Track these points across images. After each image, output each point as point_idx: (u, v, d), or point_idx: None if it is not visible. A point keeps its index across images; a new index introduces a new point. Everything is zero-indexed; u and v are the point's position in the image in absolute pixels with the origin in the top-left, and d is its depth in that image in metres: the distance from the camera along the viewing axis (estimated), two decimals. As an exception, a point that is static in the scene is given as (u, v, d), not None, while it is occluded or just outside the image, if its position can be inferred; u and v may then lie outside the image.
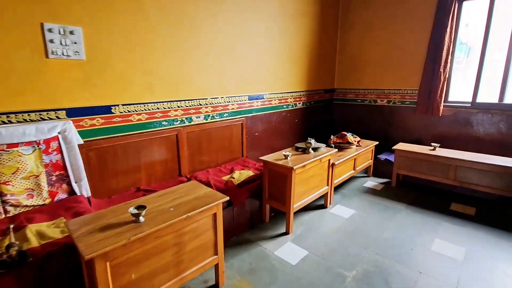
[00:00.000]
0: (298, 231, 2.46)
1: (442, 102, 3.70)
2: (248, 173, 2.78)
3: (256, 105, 3.43)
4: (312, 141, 2.72)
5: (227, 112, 3.10)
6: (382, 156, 3.78)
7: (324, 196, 2.85)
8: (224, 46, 2.92)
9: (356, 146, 3.42)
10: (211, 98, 2.92)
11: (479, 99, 3.56)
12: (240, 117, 3.24)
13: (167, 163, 2.60)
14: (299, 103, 4.11)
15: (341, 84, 4.74)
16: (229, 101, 3.10)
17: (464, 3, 3.55)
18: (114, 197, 2.23)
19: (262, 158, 2.44)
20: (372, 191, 3.30)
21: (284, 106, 3.85)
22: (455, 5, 3.46)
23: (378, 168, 3.81)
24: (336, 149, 2.88)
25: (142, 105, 2.38)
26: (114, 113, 2.22)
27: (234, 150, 3.22)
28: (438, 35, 3.60)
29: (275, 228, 2.50)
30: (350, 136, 3.33)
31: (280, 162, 2.31)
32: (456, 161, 2.94)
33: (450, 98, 3.80)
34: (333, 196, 3.06)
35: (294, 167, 2.22)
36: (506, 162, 2.76)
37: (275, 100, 3.67)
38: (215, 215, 1.65)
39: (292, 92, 3.94)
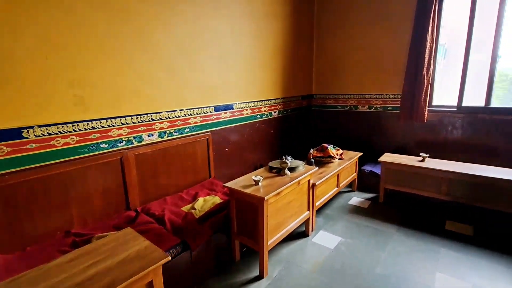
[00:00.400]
0: (275, 272, 2.02)
1: (427, 107, 3.43)
2: (214, 200, 2.31)
3: (225, 117, 2.98)
4: (289, 159, 2.31)
5: (188, 127, 2.62)
6: (367, 168, 3.44)
7: (305, 223, 2.44)
8: (181, 48, 2.46)
9: (339, 159, 3.05)
10: (167, 112, 2.44)
11: (465, 103, 3.33)
12: (206, 132, 2.78)
13: (109, 195, 2.08)
14: (275, 112, 3.70)
15: (320, 90, 4.40)
16: (191, 114, 2.63)
17: (445, 1, 3.32)
18: (31, 249, 1.68)
19: (227, 185, 1.99)
20: (358, 210, 2.93)
21: (258, 116, 3.43)
22: (435, 4, 3.21)
23: (363, 181, 3.47)
24: (316, 167, 2.48)
25: (70, 125, 1.85)
26: (27, 137, 1.68)
27: (199, 170, 2.75)
28: (419, 36, 3.34)
29: (247, 270, 2.04)
30: (331, 149, 2.96)
31: (249, 191, 1.87)
32: (448, 174, 2.63)
33: (433, 103, 3.55)
34: (315, 220, 2.65)
35: (266, 197, 1.79)
36: (502, 173, 2.48)
37: (247, 110, 3.24)
38: (150, 284, 1.17)
39: (266, 100, 3.53)
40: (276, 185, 1.96)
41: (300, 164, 2.29)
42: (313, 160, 2.82)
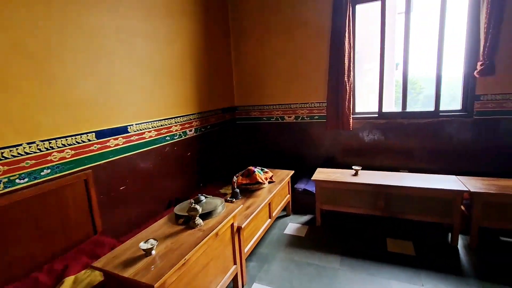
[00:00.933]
0: None
1: (351, 115, 3.29)
2: (90, 279, 1.51)
3: (116, 145, 2.18)
4: (202, 199, 1.69)
5: (49, 167, 1.75)
6: (300, 186, 3.08)
7: (233, 279, 1.83)
8: (30, 52, 1.60)
9: (269, 182, 2.58)
10: (4, 149, 1.54)
11: (371, 109, 3.32)
12: (82, 170, 1.93)
13: None
14: (190, 130, 3.04)
15: (243, 101, 3.94)
16: (52, 147, 1.77)
17: (357, 6, 3.25)
18: None
19: (96, 264, 1.24)
20: (296, 242, 2.48)
21: (167, 138, 2.71)
22: (349, 8, 3.09)
23: (298, 201, 3.08)
24: (241, 205, 1.92)
25: None
26: None
27: (74, 228, 1.88)
28: (338, 41, 3.18)
29: None
30: (259, 173, 2.46)
31: (131, 272, 1.16)
32: (383, 188, 2.42)
33: (356, 110, 3.45)
34: (246, 270, 2.08)
35: (158, 283, 1.12)
36: (433, 182, 2.37)
37: (149, 131, 2.50)
38: None
39: (177, 117, 2.84)
40: (181, 250, 1.31)
41: (218, 205, 1.68)
42: (237, 190, 2.26)
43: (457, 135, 2.94)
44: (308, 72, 3.47)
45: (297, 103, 3.61)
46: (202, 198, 1.71)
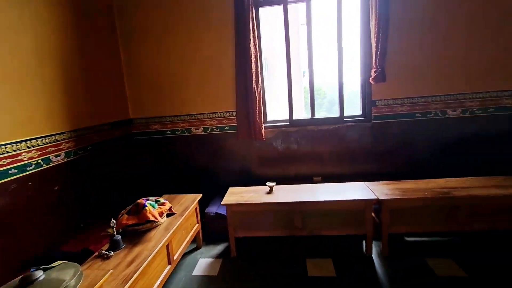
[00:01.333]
0: None
1: (263, 124, 3.05)
2: None
3: None
4: (37, 275, 1.06)
5: None
6: (212, 210, 2.64)
7: None
8: None
9: (168, 215, 2.05)
10: None
11: (281, 117, 3.23)
12: None
13: None
14: (58, 155, 2.24)
15: (140, 112, 3.27)
16: None
17: (261, 9, 3.05)
18: None
19: None
20: (207, 285, 2.03)
21: (13, 171, 1.88)
22: (252, 10, 2.86)
23: (209, 228, 2.63)
24: (110, 270, 1.36)
25: None
26: None
27: None
28: (243, 45, 2.90)
29: None
30: (151, 207, 1.90)
31: None
32: (298, 206, 2.20)
33: (268, 118, 3.26)
34: None
35: None
36: (345, 192, 2.29)
37: (-28, 166, 1.65)
38: None
39: (33, 139, 2.03)
40: None
41: (67, 281, 1.08)
42: (118, 238, 1.66)
43: (360, 139, 3.02)
44: (217, 79, 3.09)
45: (204, 113, 3.18)
46: (39, 274, 1.08)
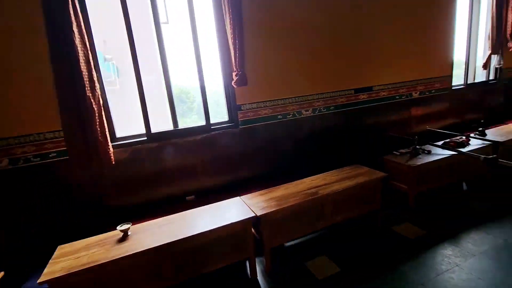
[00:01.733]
0: None
1: (109, 143, 2.32)
2: None
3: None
4: None
5: None
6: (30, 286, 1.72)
7: None
8: None
9: None
10: None
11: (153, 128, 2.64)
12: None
13: None
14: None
15: None
16: None
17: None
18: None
19: None
20: None
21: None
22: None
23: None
24: None
25: None
26: None
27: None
28: (62, 41, 2.07)
29: None
30: None
31: None
32: (167, 248, 1.69)
33: (118, 134, 2.54)
34: None
35: None
36: (222, 214, 1.96)
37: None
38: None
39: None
40: None
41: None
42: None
43: (231, 146, 2.81)
44: (26, 87, 2.10)
45: (11, 137, 2.12)
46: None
